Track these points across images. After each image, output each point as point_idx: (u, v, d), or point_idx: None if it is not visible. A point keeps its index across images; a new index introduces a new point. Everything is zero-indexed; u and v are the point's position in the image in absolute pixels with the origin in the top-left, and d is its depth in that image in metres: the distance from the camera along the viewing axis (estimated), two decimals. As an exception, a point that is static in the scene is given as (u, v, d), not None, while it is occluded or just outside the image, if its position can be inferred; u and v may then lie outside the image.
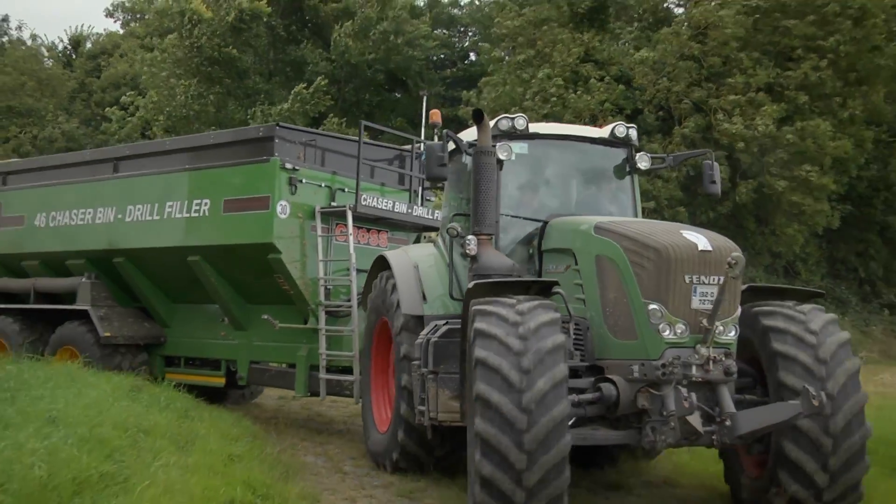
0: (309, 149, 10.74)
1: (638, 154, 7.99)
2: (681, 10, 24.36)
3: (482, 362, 5.86)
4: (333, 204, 10.46)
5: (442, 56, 27.11)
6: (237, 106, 25.50)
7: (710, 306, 6.08)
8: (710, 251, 6.10)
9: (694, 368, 6.09)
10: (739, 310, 6.37)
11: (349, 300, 9.83)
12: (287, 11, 26.52)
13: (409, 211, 10.98)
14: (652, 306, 6.25)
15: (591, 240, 6.71)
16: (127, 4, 35.07)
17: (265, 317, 10.68)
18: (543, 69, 21.58)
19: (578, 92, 21.04)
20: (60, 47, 35.60)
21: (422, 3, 28.82)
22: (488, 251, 7.25)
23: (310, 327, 10.20)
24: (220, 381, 11.61)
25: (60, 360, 11.44)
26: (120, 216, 11.86)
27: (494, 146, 7.58)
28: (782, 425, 5.99)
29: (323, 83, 24.69)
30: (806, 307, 6.56)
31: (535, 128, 8.13)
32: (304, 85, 24.50)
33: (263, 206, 10.39)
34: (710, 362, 6.12)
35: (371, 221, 10.75)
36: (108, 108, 27.52)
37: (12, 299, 13.14)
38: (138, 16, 35.30)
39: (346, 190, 10.55)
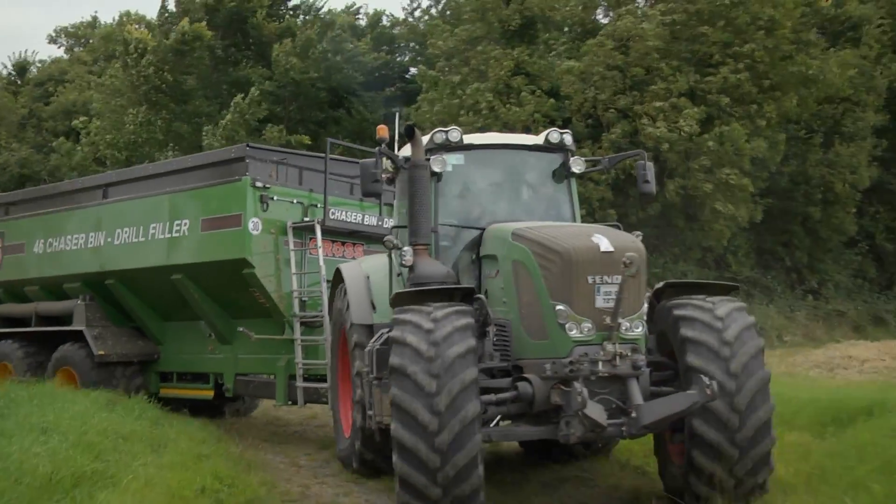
0: (282, 167, 11.15)
1: (572, 158, 8.16)
2: (606, 21, 25.86)
3: (396, 369, 6.23)
4: (306, 219, 10.81)
5: (383, 73, 28.29)
6: (185, 127, 26.37)
7: (609, 305, 6.43)
8: (611, 252, 6.44)
9: (601, 364, 6.41)
10: (646, 306, 6.78)
11: (322, 311, 10.20)
12: (228, 33, 27.50)
13: (380, 223, 11.24)
14: (559, 307, 6.59)
15: (509, 246, 7.04)
16: (70, 30, 35.79)
17: (241, 329, 11.13)
18: (474, 84, 22.97)
19: (509, 105, 22.44)
20: (5, 73, 36.36)
21: (363, 24, 30.01)
22: (425, 260, 7.49)
23: (286, 338, 10.62)
24: (208, 395, 12.08)
25: (60, 380, 12.08)
26: (109, 239, 12.30)
27: (428, 159, 7.85)
28: (682, 414, 6.28)
29: (257, 93, 25.58)
30: (716, 298, 6.85)
31: (470, 139, 8.35)
32: (242, 95, 25.40)
33: (236, 223, 10.77)
34: (617, 358, 6.43)
35: (346, 235, 11.19)
36: (55, 142, 28.23)
37: (17, 324, 13.64)
38: (83, 41, 36.01)
39: (319, 205, 10.86)
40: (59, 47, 36.77)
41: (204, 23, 25.88)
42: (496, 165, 8.44)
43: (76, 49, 35.97)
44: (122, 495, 6.38)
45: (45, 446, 6.93)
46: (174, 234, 11.47)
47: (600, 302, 6.48)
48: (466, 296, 6.95)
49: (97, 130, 26.79)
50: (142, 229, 11.88)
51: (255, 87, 25.10)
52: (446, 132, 8.14)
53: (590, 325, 6.52)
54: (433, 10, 29.52)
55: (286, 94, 26.58)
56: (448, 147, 8.09)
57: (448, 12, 27.80)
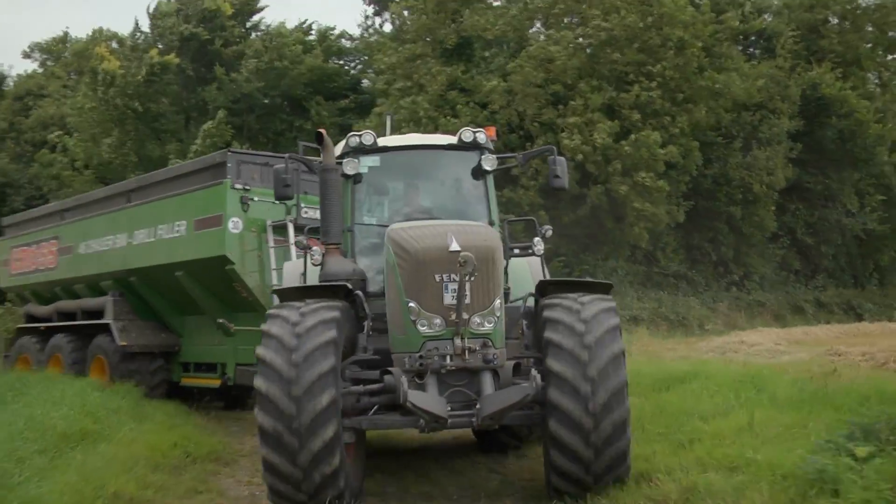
0: (266, 169, 11.48)
1: (483, 156, 8.25)
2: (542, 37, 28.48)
3: (261, 359, 6.63)
4: (284, 218, 11.33)
5: (335, 85, 30.77)
6: (154, 145, 28.80)
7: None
8: (458, 251, 6.60)
9: (449, 358, 6.79)
10: (498, 302, 6.99)
11: None
12: (196, 56, 29.92)
13: None
14: (411, 304, 6.93)
15: (385, 245, 7.37)
16: (43, 45, 38.01)
17: (220, 320, 11.87)
18: (412, 97, 25.64)
19: (447, 117, 25.11)
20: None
21: (313, 37, 32.49)
22: (333, 259, 7.82)
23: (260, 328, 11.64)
24: (215, 383, 12.82)
25: (95, 368, 13.64)
26: (130, 240, 13.42)
27: (339, 163, 8.20)
28: (517, 405, 6.66)
29: (223, 115, 27.55)
30: (588, 298, 7.03)
31: (385, 141, 8.62)
32: (210, 122, 27.38)
33: (217, 223, 11.49)
34: (466, 352, 6.79)
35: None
36: (37, 153, 30.47)
37: (68, 318, 15.02)
38: (56, 56, 38.21)
39: (303, 206, 11.14)
40: (33, 61, 39.10)
41: (174, 53, 28.16)
42: (411, 166, 8.80)
43: (49, 63, 38.24)
44: (116, 446, 9.00)
45: (59, 412, 9.62)
46: (175, 235, 12.39)
47: (448, 299, 6.80)
48: (349, 293, 7.34)
49: (74, 144, 29.13)
50: (152, 230, 12.94)
51: (221, 111, 27.50)
52: (360, 136, 8.41)
53: (439, 321, 6.87)
54: (384, 27, 32.34)
55: (242, 108, 28.95)
56: (363, 150, 8.38)
57: (394, 29, 30.55)
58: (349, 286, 7.36)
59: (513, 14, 26.62)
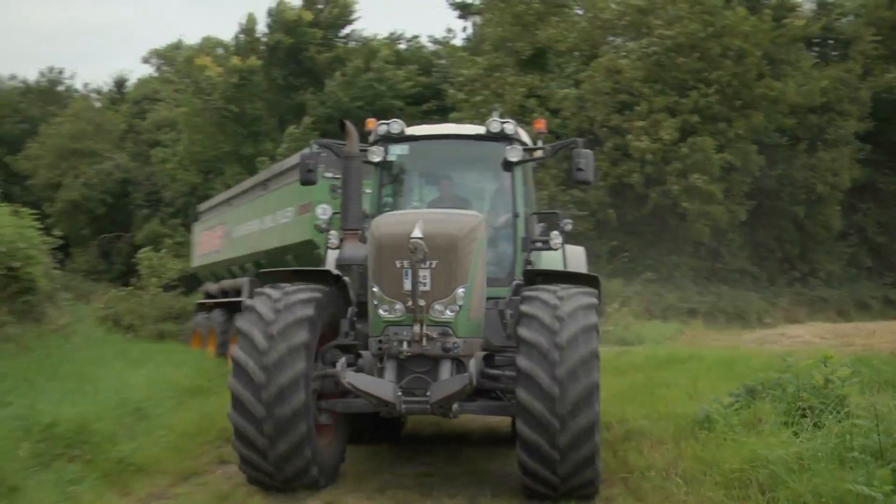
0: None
1: (508, 147, 8.19)
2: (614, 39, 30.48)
3: (240, 331, 6.94)
4: None
5: (419, 90, 33.58)
6: (249, 145, 31.94)
7: (421, 288, 6.69)
8: (420, 238, 6.47)
9: (405, 344, 6.83)
10: (461, 290, 6.91)
11: None
12: (285, 62, 33.21)
13: None
14: (374, 289, 7.06)
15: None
16: (160, 51, 42.10)
17: None
18: (497, 106, 28.12)
19: (524, 124, 27.49)
20: (106, 89, 43.18)
21: (403, 48, 35.34)
22: (351, 244, 8.07)
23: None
24: None
25: (233, 342, 14.20)
26: (261, 225, 14.71)
27: (364, 151, 8.42)
28: (458, 394, 6.66)
29: (309, 122, 30.42)
30: (568, 292, 6.91)
31: (413, 130, 8.65)
32: (295, 126, 30.21)
33: (308, 210, 12.31)
34: (424, 339, 6.79)
35: None
36: (152, 150, 34.35)
37: (224, 296, 16.53)
38: (170, 62, 42.25)
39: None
40: (150, 67, 43.30)
41: (259, 60, 31.36)
42: (439, 155, 8.90)
43: (164, 68, 42.31)
44: (223, 398, 11.54)
45: (182, 372, 12.65)
46: (285, 221, 13.47)
47: (408, 285, 6.74)
48: (338, 278, 7.62)
49: (183, 145, 32.86)
50: (273, 216, 14.13)
51: (309, 115, 30.56)
52: (388, 124, 8.49)
53: (399, 306, 6.92)
54: (461, 37, 35.08)
55: (333, 113, 31.88)
56: (391, 138, 8.50)
57: (473, 41, 33.17)
58: (334, 272, 7.63)
59: (583, 27, 28.80)
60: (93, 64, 79.04)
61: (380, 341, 7.00)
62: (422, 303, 6.73)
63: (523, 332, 6.63)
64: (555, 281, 7.32)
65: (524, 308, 6.83)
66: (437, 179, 9.07)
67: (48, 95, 42.37)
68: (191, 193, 33.29)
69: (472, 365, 6.64)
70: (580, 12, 30.10)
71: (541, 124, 9.12)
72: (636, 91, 27.20)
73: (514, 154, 8.20)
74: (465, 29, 37.37)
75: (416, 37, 35.87)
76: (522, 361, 6.53)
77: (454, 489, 7.45)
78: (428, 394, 6.69)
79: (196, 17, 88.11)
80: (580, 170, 8.17)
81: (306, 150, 8.77)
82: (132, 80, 42.81)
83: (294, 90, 32.71)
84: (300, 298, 7.03)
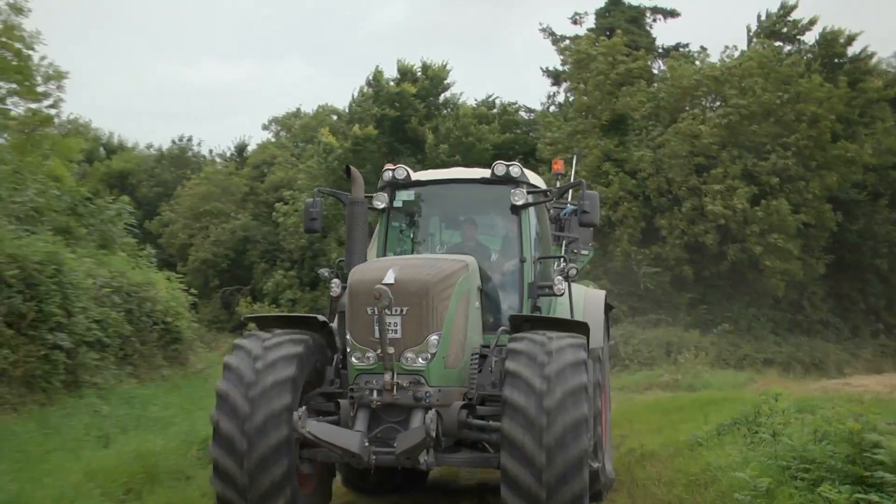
0: None
1: (513, 190, 8.19)
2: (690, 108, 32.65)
3: (219, 394, 6.85)
4: None
5: (514, 148, 36.49)
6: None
7: (392, 335, 6.63)
8: (391, 284, 6.53)
9: (376, 393, 6.69)
10: (434, 338, 6.83)
11: None
12: (391, 131, 36.75)
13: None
14: (347, 336, 7.03)
15: None
16: (279, 118, 46.59)
17: None
18: (576, 168, 30.73)
19: (601, 185, 30.09)
20: (228, 154, 47.99)
21: (495, 111, 38.48)
22: None
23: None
24: None
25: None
26: None
27: (369, 197, 8.38)
28: (418, 447, 6.37)
29: None
30: (556, 344, 6.76)
31: (419, 175, 8.74)
32: None
33: None
34: (395, 388, 6.66)
35: None
36: (276, 204, 38.19)
37: None
38: (288, 128, 46.64)
39: None
40: (269, 133, 47.86)
41: (373, 127, 35.00)
42: (445, 200, 8.94)
43: (282, 134, 46.73)
44: None
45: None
46: None
47: (378, 332, 6.58)
48: (325, 324, 7.62)
49: (302, 200, 36.36)
50: None
51: None
52: (394, 170, 8.57)
53: (371, 354, 6.82)
54: (559, 97, 38.10)
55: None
56: (396, 184, 8.56)
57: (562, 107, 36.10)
58: (320, 318, 7.62)
59: (661, 97, 31.25)
60: (213, 122, 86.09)
61: (351, 389, 6.94)
62: (391, 350, 6.65)
63: (510, 365, 6.64)
64: (541, 327, 7.21)
65: (512, 346, 6.84)
66: (447, 225, 9.20)
67: (179, 161, 47.37)
68: (307, 248, 36.84)
69: (430, 416, 6.36)
70: (656, 84, 32.44)
71: (559, 165, 9.61)
72: (713, 154, 29.34)
73: (520, 197, 8.20)
74: (556, 94, 40.22)
75: (513, 103, 39.02)
76: (508, 392, 6.51)
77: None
78: (395, 445, 6.48)
79: (312, 80, 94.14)
80: (585, 212, 8.13)
81: (310, 199, 8.72)
82: (252, 146, 47.41)
83: (399, 154, 36.13)
84: (281, 355, 6.99)
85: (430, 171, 9.44)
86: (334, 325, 7.88)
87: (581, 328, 7.36)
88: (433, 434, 6.32)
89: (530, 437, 6.30)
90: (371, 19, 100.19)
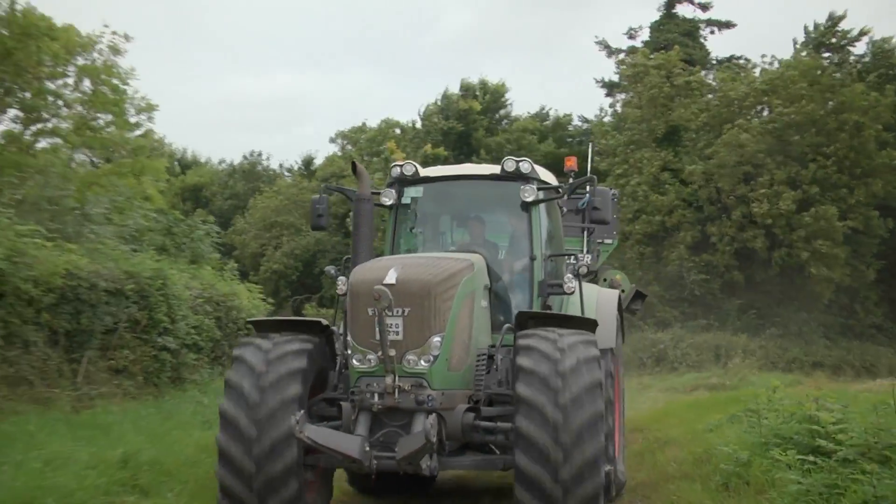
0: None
1: (523, 186, 8.09)
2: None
3: (228, 383, 6.83)
4: None
5: (558, 150, 38.06)
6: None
7: (394, 337, 6.54)
8: (392, 285, 6.46)
9: (377, 396, 6.58)
10: (437, 339, 6.69)
11: None
12: (455, 145, 38.82)
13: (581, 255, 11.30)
14: (348, 338, 6.97)
15: None
16: (346, 132, 48.93)
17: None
18: (634, 178, 32.52)
19: (657, 195, 31.71)
20: (296, 167, 50.74)
21: (549, 124, 40.32)
22: None
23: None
24: None
25: None
26: None
27: (376, 193, 8.32)
28: (418, 453, 6.24)
29: None
30: (567, 331, 6.80)
31: (427, 171, 8.64)
32: None
33: None
34: (397, 391, 6.54)
35: None
36: (346, 219, 40.55)
37: None
38: (354, 141, 48.98)
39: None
40: (336, 146, 50.21)
41: (443, 148, 37.14)
42: (454, 196, 8.83)
43: (348, 148, 49.03)
44: None
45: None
46: None
47: (379, 334, 6.46)
48: (326, 328, 7.43)
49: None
50: None
51: None
52: (401, 166, 8.52)
53: (372, 356, 6.71)
54: (607, 117, 39.74)
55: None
56: (405, 180, 8.48)
57: (616, 118, 37.93)
58: (323, 322, 7.47)
59: (711, 109, 32.72)
60: (281, 133, 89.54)
61: (352, 392, 6.84)
62: (392, 352, 6.54)
63: (522, 361, 6.54)
64: (548, 324, 7.11)
65: (522, 342, 6.74)
66: (455, 221, 9.11)
67: (250, 175, 50.22)
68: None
69: (430, 421, 6.29)
70: (710, 95, 33.91)
71: (571, 162, 9.47)
72: (759, 162, 30.72)
73: (529, 193, 8.13)
74: (611, 105, 41.82)
75: (567, 115, 40.89)
76: (522, 389, 6.40)
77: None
78: (396, 450, 6.33)
79: (378, 88, 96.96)
80: (596, 209, 8.17)
81: (316, 196, 8.69)
82: (319, 159, 50.00)
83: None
84: (290, 350, 6.97)
85: (439, 167, 9.31)
86: (336, 328, 7.83)
87: (589, 325, 7.29)
88: (433, 439, 6.18)
89: (546, 434, 6.21)
90: (436, 27, 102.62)
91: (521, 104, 78.39)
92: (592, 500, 6.33)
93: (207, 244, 20.54)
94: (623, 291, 11.88)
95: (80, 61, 22.10)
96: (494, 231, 9.02)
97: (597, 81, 42.10)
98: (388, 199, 8.50)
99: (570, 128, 41.52)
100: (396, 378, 6.60)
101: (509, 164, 8.25)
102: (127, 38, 22.20)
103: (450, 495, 9.82)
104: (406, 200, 8.58)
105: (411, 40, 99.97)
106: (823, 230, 29.77)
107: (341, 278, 8.14)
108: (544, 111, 41.16)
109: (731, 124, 31.19)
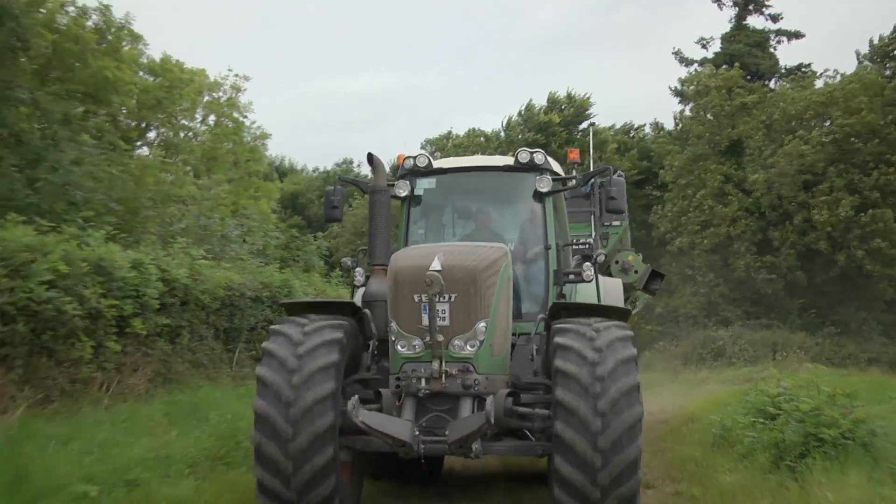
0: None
1: (538, 177, 8.31)
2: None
3: (260, 379, 6.81)
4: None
5: (644, 176, 41.48)
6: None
7: (441, 322, 6.73)
8: (439, 271, 6.53)
9: (424, 381, 6.78)
10: (482, 324, 6.90)
11: None
12: (568, 120, 42.14)
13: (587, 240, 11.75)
14: (392, 324, 7.08)
15: None
16: (433, 140, 52.80)
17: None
18: (700, 191, 35.46)
19: (720, 206, 34.58)
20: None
21: (631, 137, 43.48)
22: (377, 280, 7.83)
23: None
24: None
25: None
26: None
27: (391, 185, 8.44)
28: (475, 435, 6.42)
29: None
30: (603, 325, 6.88)
31: (440, 163, 8.82)
32: None
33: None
34: (444, 376, 6.76)
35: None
36: None
37: None
38: (441, 147, 52.93)
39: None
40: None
41: (553, 112, 40.67)
42: (467, 188, 8.94)
43: (436, 154, 52.94)
44: None
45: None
46: None
47: (426, 320, 6.69)
48: (357, 310, 7.53)
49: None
50: None
51: None
52: (414, 158, 8.60)
53: (418, 342, 6.88)
54: (679, 124, 42.40)
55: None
56: (418, 172, 8.62)
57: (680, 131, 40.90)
58: (355, 304, 7.58)
59: (773, 124, 35.31)
60: (370, 132, 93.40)
61: (398, 378, 6.96)
62: (440, 338, 6.73)
63: (560, 363, 6.59)
64: (583, 315, 7.26)
65: (559, 340, 6.79)
66: (468, 212, 9.25)
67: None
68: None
69: (490, 403, 6.36)
70: (769, 110, 36.47)
71: (574, 154, 9.52)
72: (819, 171, 33.27)
73: (545, 184, 8.31)
74: (682, 112, 44.00)
75: (640, 127, 44.00)
76: (561, 393, 6.48)
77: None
78: (446, 433, 6.55)
79: (465, 84, 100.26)
80: (612, 198, 8.46)
81: (330, 188, 8.92)
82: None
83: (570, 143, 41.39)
84: (324, 340, 6.97)
85: (452, 158, 9.59)
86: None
87: (622, 315, 7.45)
88: (492, 420, 6.30)
89: (585, 441, 6.32)
90: (523, 24, 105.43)
91: (607, 107, 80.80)
92: (630, 470, 6.45)
93: (317, 255, 24.53)
94: (636, 272, 13.07)
95: (206, 98, 26.54)
96: (506, 222, 9.25)
97: (670, 89, 44.55)
98: (402, 190, 8.72)
99: (647, 139, 44.57)
100: (443, 363, 6.84)
101: (523, 156, 8.52)
102: (246, 78, 26.55)
103: (450, 485, 10.21)
104: (419, 192, 8.80)
105: (499, 37, 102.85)
106: (881, 231, 31.98)
107: (358, 269, 8.48)
108: (628, 125, 44.49)
109: (792, 136, 33.78)
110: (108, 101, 18.42)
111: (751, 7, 43.26)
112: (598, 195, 10.08)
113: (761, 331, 32.48)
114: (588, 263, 8.31)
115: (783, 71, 43.10)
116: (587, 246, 10.29)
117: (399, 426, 6.56)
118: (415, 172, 8.76)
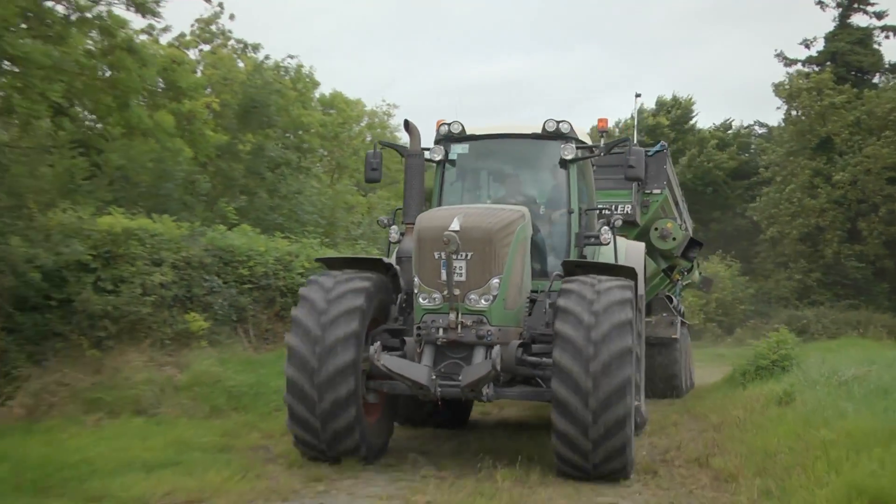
0: None
1: (563, 145, 8.95)
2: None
3: (294, 320, 7.71)
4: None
5: (744, 170, 45.55)
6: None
7: (458, 278, 7.46)
8: (457, 231, 7.25)
9: (441, 331, 7.56)
10: (496, 280, 7.66)
11: None
12: (674, 121, 46.57)
13: (627, 209, 12.90)
14: (415, 279, 7.88)
15: None
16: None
17: None
18: (790, 185, 40.31)
19: (809, 199, 39.17)
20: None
21: (730, 134, 48.35)
22: (409, 238, 8.67)
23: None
24: None
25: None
26: None
27: (426, 149, 9.20)
28: (483, 380, 7.32)
29: None
30: (605, 285, 7.51)
31: (473, 129, 9.43)
32: None
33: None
34: (459, 326, 7.53)
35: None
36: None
37: None
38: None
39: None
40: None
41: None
42: (498, 153, 9.68)
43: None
44: None
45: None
46: None
47: (445, 276, 7.42)
48: (389, 266, 8.40)
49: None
50: None
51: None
52: (449, 124, 9.32)
53: (438, 295, 7.64)
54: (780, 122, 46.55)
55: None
56: (452, 138, 9.33)
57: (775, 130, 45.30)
58: (385, 261, 8.43)
59: (862, 123, 39.35)
60: (509, 115, 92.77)
61: (419, 328, 7.75)
62: (457, 292, 7.46)
63: (559, 326, 7.25)
64: (592, 272, 7.91)
65: (561, 302, 7.45)
66: (499, 176, 9.81)
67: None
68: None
69: (496, 352, 7.12)
70: (858, 108, 40.34)
71: (604, 123, 10.13)
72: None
73: (569, 152, 8.89)
74: (778, 108, 48.48)
75: (749, 126, 48.79)
76: (557, 355, 7.15)
77: (500, 465, 7.84)
78: (460, 378, 7.34)
79: (605, 65, 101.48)
80: (631, 167, 8.93)
81: (370, 151, 9.56)
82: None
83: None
84: (351, 288, 7.81)
85: (484, 124, 9.88)
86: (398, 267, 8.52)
87: (628, 272, 8.03)
88: (498, 367, 7.01)
89: (578, 365, 6.96)
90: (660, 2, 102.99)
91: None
92: (619, 452, 7.25)
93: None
94: (674, 239, 14.14)
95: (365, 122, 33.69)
96: (533, 186, 9.80)
97: (773, 86, 46.15)
98: (437, 155, 9.35)
99: (752, 137, 49.43)
100: (459, 315, 7.54)
101: (550, 125, 9.10)
102: (395, 105, 33.56)
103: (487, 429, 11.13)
104: (452, 157, 9.42)
105: (638, 15, 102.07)
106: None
107: (393, 227, 9.25)
108: (728, 122, 49.45)
109: (878, 136, 37.98)
110: (299, 138, 25.56)
111: (855, 5, 45.04)
112: (645, 164, 10.10)
113: (846, 311, 36.71)
114: (606, 227, 9.20)
115: (887, 66, 45.35)
116: (626, 213, 11.80)
117: (418, 370, 7.46)
118: (449, 138, 9.47)
